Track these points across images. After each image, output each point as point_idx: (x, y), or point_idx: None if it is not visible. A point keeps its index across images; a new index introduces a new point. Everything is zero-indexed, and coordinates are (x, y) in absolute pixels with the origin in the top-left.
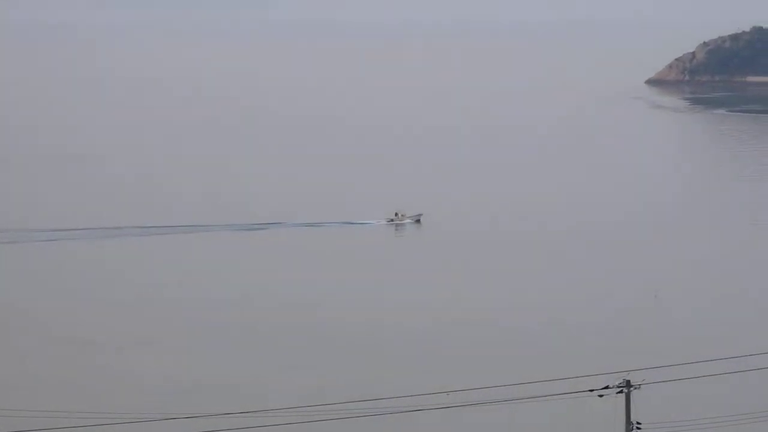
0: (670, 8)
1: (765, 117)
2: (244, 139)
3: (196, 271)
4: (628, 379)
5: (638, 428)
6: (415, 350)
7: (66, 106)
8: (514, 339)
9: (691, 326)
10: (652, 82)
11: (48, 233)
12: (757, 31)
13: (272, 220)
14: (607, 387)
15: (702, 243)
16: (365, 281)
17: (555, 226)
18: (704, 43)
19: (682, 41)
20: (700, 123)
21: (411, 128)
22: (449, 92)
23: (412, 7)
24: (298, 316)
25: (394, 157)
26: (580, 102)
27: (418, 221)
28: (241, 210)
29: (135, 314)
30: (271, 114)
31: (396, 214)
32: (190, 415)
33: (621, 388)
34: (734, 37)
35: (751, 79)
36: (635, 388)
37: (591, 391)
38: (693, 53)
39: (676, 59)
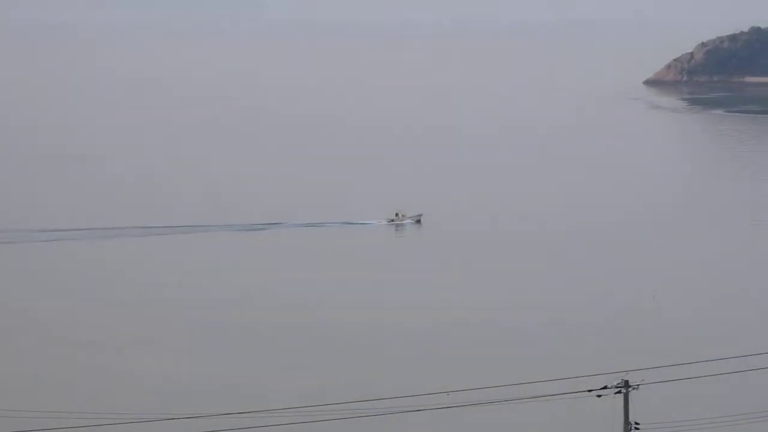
0: (669, 8)
1: (763, 117)
2: (244, 139)
3: (196, 271)
4: (626, 379)
5: (637, 428)
6: (415, 350)
7: (66, 106)
8: (514, 339)
9: (690, 326)
10: (651, 83)
11: (48, 233)
12: (756, 31)
13: (272, 220)
14: (605, 387)
15: (702, 243)
16: (365, 281)
17: (555, 226)
18: (702, 43)
19: (680, 41)
20: (699, 123)
21: (411, 128)
22: (449, 92)
23: (412, 7)
24: (298, 316)
25: (394, 157)
26: (580, 102)
27: (418, 221)
28: (241, 210)
29: (135, 314)
30: (271, 114)
31: (396, 215)
32: (190, 415)
33: (619, 389)
34: (732, 38)
35: (749, 79)
36: (634, 389)
37: (590, 391)
38: (691, 53)
39: (675, 60)
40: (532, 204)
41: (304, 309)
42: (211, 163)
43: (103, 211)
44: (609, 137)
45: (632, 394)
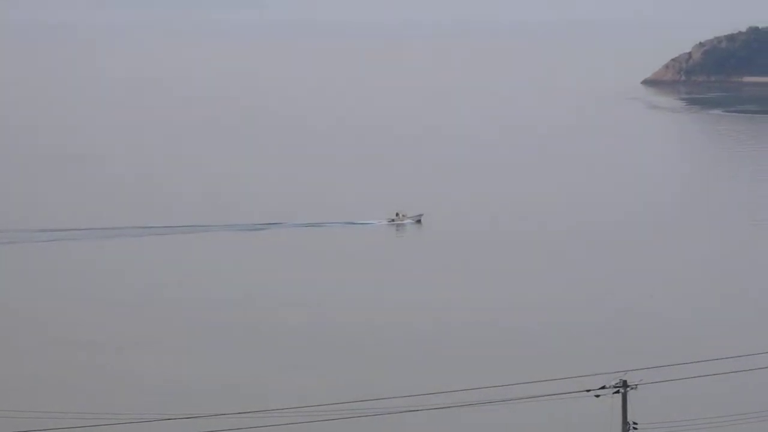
0: (669, 8)
1: (761, 117)
2: (244, 139)
3: (196, 271)
4: (624, 379)
5: (635, 428)
6: (415, 350)
7: (66, 106)
8: (514, 339)
9: (689, 326)
10: (649, 83)
11: (48, 233)
12: (753, 31)
13: (272, 220)
14: (603, 387)
15: (701, 243)
16: (366, 281)
17: (555, 226)
18: (700, 43)
19: (678, 41)
20: (698, 123)
21: (411, 128)
22: (449, 92)
23: (412, 7)
24: (298, 316)
25: (394, 157)
26: (579, 102)
27: (418, 221)
28: (241, 210)
29: (135, 314)
30: (271, 114)
31: (397, 215)
32: (190, 415)
33: (618, 389)
34: (730, 38)
35: (747, 79)
36: (632, 389)
37: (588, 391)
38: (689, 53)
39: (673, 59)
40: (532, 204)
41: (305, 309)
42: (211, 163)
43: (103, 211)
44: (608, 137)
45: (630, 394)
